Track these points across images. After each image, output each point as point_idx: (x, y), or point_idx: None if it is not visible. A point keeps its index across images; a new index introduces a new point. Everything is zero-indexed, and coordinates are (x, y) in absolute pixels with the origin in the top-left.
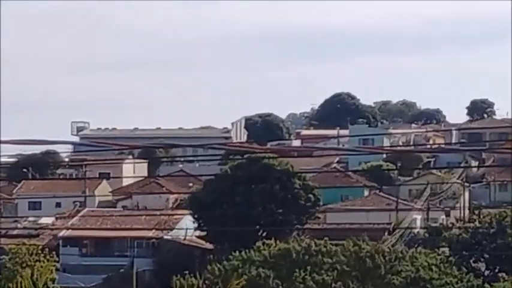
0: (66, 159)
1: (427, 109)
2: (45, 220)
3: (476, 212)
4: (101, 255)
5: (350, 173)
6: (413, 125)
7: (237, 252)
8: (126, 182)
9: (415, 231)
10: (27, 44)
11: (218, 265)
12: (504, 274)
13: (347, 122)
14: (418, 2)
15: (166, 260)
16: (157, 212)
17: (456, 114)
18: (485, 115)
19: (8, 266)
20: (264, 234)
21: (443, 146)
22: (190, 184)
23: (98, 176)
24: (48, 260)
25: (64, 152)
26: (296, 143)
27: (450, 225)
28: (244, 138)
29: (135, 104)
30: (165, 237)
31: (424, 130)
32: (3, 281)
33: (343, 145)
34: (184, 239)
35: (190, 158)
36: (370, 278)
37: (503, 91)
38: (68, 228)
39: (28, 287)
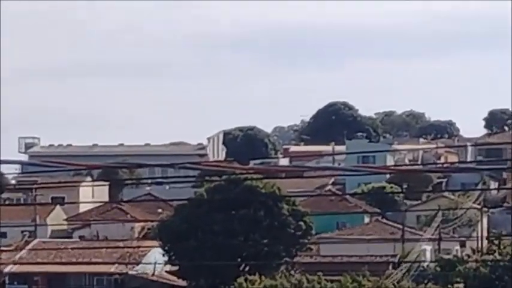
0: (13, 182)
1: (437, 121)
2: None
3: (496, 241)
4: None
5: (347, 196)
6: (421, 140)
7: None
8: (83, 207)
9: (425, 264)
10: None
11: None
12: None
13: (343, 137)
14: None
15: None
16: (121, 244)
17: (472, 127)
18: (506, 127)
19: None
20: (247, 268)
21: (456, 164)
22: (160, 210)
23: (50, 201)
24: None
25: (10, 173)
26: (284, 161)
27: (466, 258)
28: (222, 156)
29: (93, 116)
30: (130, 272)
31: (435, 146)
32: None
33: (339, 164)
34: (153, 275)
35: (159, 180)
36: None
37: None
38: (15, 263)
39: None
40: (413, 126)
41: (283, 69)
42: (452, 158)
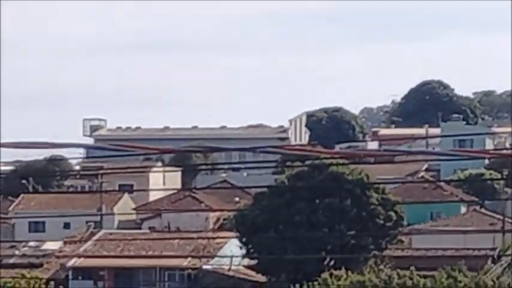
0: (77, 168)
1: None
2: (50, 245)
3: None
4: None
5: (442, 184)
6: None
7: (297, 287)
8: (153, 196)
9: None
10: (27, 24)
11: None
12: None
13: (438, 119)
14: None
15: None
16: (194, 235)
17: None
18: None
19: None
20: (332, 262)
21: None
22: (237, 199)
23: (117, 188)
24: None
25: (74, 158)
26: (372, 145)
27: None
28: (305, 140)
29: (165, 97)
30: (204, 266)
31: None
32: None
33: (433, 148)
34: (229, 270)
35: (237, 166)
36: None
37: None
38: (79, 256)
39: None
40: None
41: (371, 45)
42: None
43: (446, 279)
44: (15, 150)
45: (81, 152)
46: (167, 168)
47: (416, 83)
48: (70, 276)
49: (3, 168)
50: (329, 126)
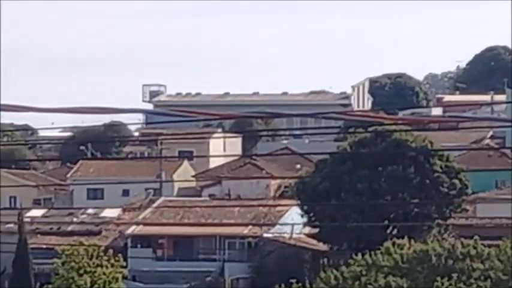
0: (136, 134)
1: None
2: (109, 213)
3: None
4: (182, 259)
5: (508, 151)
6: None
7: (359, 255)
8: (214, 162)
9: None
10: None
11: (335, 271)
12: None
13: (504, 85)
14: None
15: (266, 265)
16: (255, 203)
17: None
18: None
19: (61, 272)
20: (395, 231)
21: None
22: (298, 166)
23: (177, 155)
24: (112, 265)
25: (133, 123)
26: (437, 111)
27: None
28: (368, 106)
29: (225, 62)
30: (265, 235)
31: None
32: None
33: (499, 115)
34: (290, 238)
35: (298, 132)
36: None
37: None
38: (138, 224)
39: None
40: None
41: (437, 8)
42: None
43: (511, 249)
44: (73, 115)
45: (141, 118)
46: (227, 135)
47: (482, 48)
48: (129, 244)
49: (61, 134)
50: (392, 92)
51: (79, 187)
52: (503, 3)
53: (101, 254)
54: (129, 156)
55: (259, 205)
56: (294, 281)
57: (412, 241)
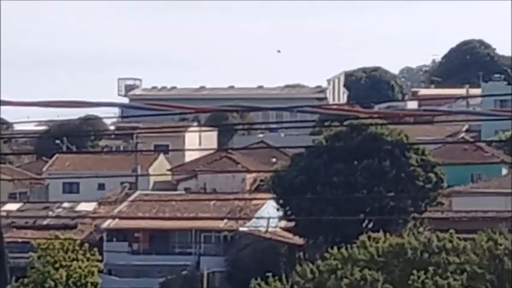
0: (112, 128)
1: None
2: (85, 207)
3: None
4: (157, 253)
5: (483, 145)
6: None
7: (335, 249)
8: (189, 156)
9: None
10: None
11: (310, 265)
12: None
13: (479, 79)
14: None
15: (242, 259)
16: (231, 197)
17: None
18: None
19: (36, 266)
20: (370, 225)
21: None
22: (274, 159)
23: (153, 149)
24: (88, 259)
25: (109, 117)
26: (412, 105)
27: None
28: (344, 100)
29: (200, 56)
30: (241, 229)
31: None
32: (30, 285)
33: (474, 108)
34: (266, 232)
35: (274, 126)
36: (510, 283)
37: None
38: (114, 218)
39: None
40: None
41: (411, 4)
42: None
43: (487, 242)
44: (48, 109)
45: (116, 111)
46: (203, 128)
47: (457, 42)
48: (104, 238)
49: (36, 128)
50: (368, 86)
51: (54, 181)
52: None
53: (77, 248)
54: (105, 150)
55: (235, 199)
56: (270, 274)
57: (388, 235)
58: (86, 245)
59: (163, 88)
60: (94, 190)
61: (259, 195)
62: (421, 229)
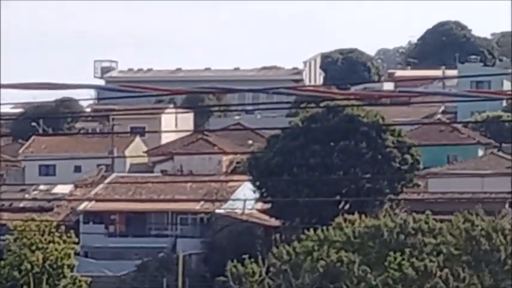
0: (88, 110)
1: None
2: (61, 189)
3: None
4: (134, 235)
5: (459, 126)
6: None
7: (312, 231)
8: (165, 138)
9: None
10: None
11: (287, 247)
12: None
13: (455, 60)
14: None
15: (218, 241)
16: (207, 178)
17: None
18: None
19: (12, 248)
20: (347, 206)
21: None
22: (250, 141)
23: (129, 131)
24: (65, 241)
25: (85, 99)
26: (388, 86)
27: None
28: (320, 82)
29: (177, 38)
30: (217, 211)
31: None
32: (6, 267)
33: (450, 89)
34: (242, 214)
35: (250, 108)
36: (486, 264)
37: None
38: (90, 200)
39: (39, 276)
40: None
41: None
42: None
43: (463, 223)
44: (24, 92)
45: (92, 93)
46: (179, 110)
47: (433, 23)
48: (81, 220)
49: (12, 110)
50: (344, 67)
51: (31, 163)
52: None
53: (53, 230)
54: (81, 132)
55: (211, 181)
56: (246, 256)
57: (364, 216)
58: (63, 227)
59: (140, 70)
60: (70, 172)
61: (235, 177)
62: (397, 211)
